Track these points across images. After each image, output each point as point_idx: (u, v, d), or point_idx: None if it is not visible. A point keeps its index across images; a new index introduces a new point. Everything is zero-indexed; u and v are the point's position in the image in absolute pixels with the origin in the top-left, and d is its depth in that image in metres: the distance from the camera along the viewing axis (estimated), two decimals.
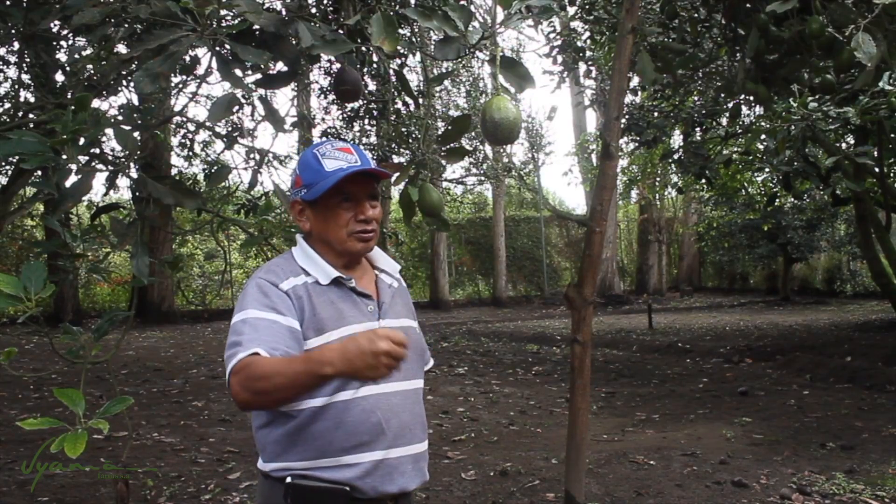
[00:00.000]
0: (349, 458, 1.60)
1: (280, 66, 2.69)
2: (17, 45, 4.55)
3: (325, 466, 1.59)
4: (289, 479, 1.60)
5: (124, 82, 3.86)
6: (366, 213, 1.68)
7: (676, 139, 11.09)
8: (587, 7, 6.93)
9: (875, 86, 5.23)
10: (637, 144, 9.84)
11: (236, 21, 2.42)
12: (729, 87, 4.40)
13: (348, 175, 1.64)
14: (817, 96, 5.70)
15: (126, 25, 2.69)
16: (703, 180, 9.45)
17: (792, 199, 15.11)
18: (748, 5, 3.84)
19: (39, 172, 3.20)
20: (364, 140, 9.82)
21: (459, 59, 3.31)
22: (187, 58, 3.10)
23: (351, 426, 1.60)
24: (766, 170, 9.39)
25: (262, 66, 2.55)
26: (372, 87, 7.05)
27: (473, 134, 13.51)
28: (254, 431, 1.69)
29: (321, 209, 1.68)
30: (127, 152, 2.61)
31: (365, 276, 1.76)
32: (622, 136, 8.77)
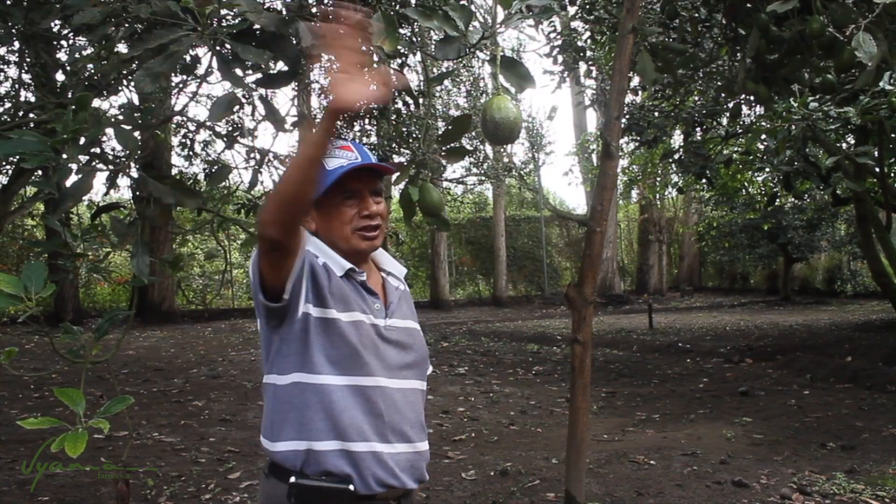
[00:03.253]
0: (351, 445, 1.60)
1: (280, 66, 2.69)
2: (17, 45, 4.55)
3: (328, 451, 1.59)
4: (292, 479, 1.60)
5: (125, 82, 3.86)
6: (370, 207, 1.69)
7: (677, 139, 11.09)
8: (588, 7, 6.93)
9: (876, 86, 5.23)
10: (637, 144, 9.83)
11: (237, 21, 2.42)
12: (729, 87, 4.40)
13: (350, 171, 1.65)
14: (818, 96, 5.69)
15: (126, 25, 2.69)
16: (704, 180, 9.45)
17: (792, 199, 15.11)
18: (749, 5, 3.84)
19: (40, 172, 3.20)
20: (364, 140, 9.82)
21: (460, 59, 3.31)
22: (188, 57, 3.10)
23: (355, 412, 1.61)
24: (767, 170, 9.37)
25: (263, 65, 2.55)
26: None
27: (474, 134, 13.51)
28: (265, 408, 1.70)
29: (325, 208, 1.69)
30: (127, 152, 2.61)
31: (372, 278, 1.77)
32: (623, 135, 8.76)
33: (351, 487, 1.60)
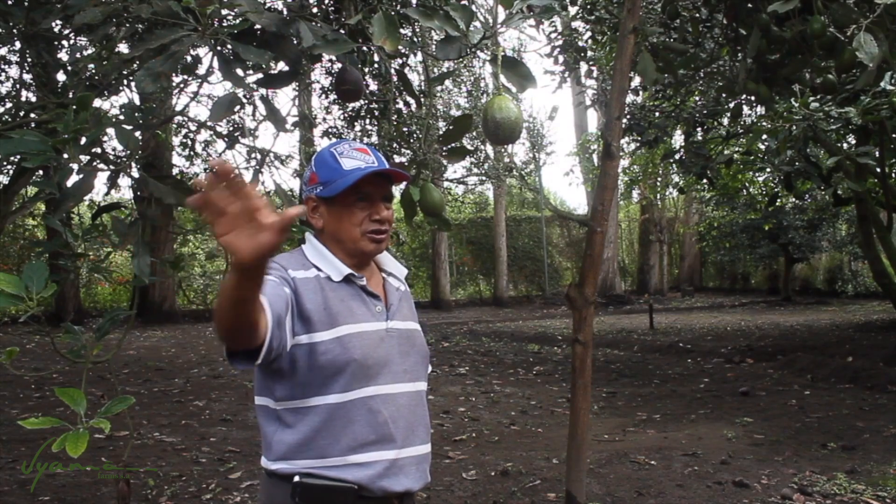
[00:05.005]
0: (356, 458, 1.60)
1: (281, 66, 2.69)
2: (18, 45, 4.55)
3: (333, 466, 1.60)
4: (297, 478, 1.60)
5: (126, 82, 3.86)
6: (380, 213, 1.70)
7: (678, 139, 11.09)
8: (588, 7, 6.93)
9: (876, 86, 5.23)
10: (638, 144, 9.83)
11: (237, 21, 2.42)
12: (730, 87, 4.40)
13: (366, 175, 1.66)
14: (819, 96, 5.69)
15: (128, 25, 2.69)
16: (705, 180, 9.44)
17: (793, 200, 15.11)
18: (750, 5, 3.84)
19: (41, 172, 3.20)
20: (365, 140, 9.81)
21: (461, 59, 3.31)
22: (189, 57, 3.10)
23: (358, 426, 1.61)
24: (768, 170, 9.37)
25: (264, 65, 2.55)
26: (373, 86, 7.04)
27: (475, 134, 13.51)
28: (261, 428, 1.70)
29: (336, 207, 1.70)
30: (128, 152, 2.61)
31: (373, 278, 1.77)
32: (623, 136, 8.75)
33: (355, 487, 1.60)
